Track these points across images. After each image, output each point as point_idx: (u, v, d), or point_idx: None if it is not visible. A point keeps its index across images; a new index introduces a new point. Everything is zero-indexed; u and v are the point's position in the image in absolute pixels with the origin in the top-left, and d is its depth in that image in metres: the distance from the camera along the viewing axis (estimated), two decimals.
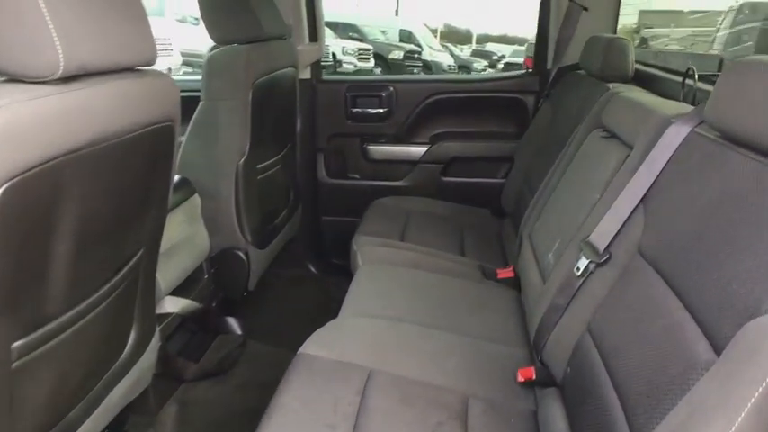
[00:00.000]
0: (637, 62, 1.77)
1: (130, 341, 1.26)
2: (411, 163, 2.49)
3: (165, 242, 1.53)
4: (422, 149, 2.48)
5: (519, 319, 1.54)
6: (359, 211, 2.30)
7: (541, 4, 2.31)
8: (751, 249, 0.77)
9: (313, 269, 2.62)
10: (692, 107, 1.28)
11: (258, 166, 1.92)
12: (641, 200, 1.13)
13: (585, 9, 2.10)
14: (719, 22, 7.90)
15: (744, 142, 0.89)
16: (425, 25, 17.08)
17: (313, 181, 2.52)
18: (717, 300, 0.81)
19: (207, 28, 1.77)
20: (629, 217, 1.14)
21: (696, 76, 1.41)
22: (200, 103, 1.75)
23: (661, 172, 1.11)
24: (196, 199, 1.72)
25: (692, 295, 0.88)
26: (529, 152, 2.19)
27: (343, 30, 13.59)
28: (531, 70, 2.45)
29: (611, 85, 1.67)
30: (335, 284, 2.02)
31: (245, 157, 1.80)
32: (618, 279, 1.12)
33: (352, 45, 12.62)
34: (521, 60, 12.85)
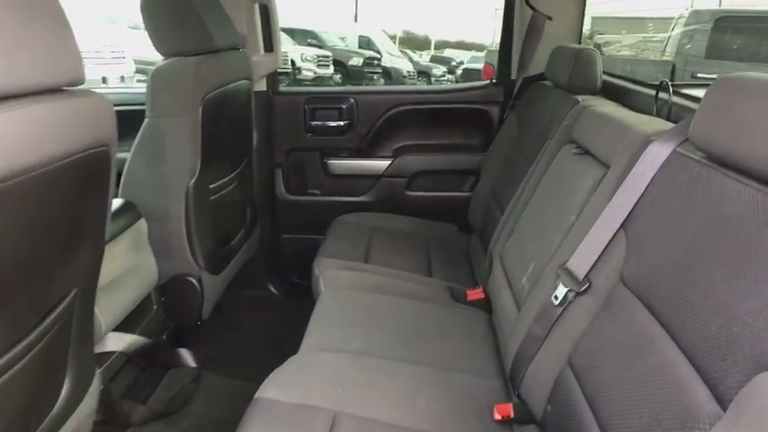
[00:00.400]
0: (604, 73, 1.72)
1: (65, 389, 1.12)
2: (374, 177, 2.39)
3: (107, 275, 1.40)
4: (385, 163, 2.38)
5: (492, 346, 1.46)
6: (320, 228, 2.19)
7: (505, 12, 2.25)
8: (755, 288, 0.70)
9: (273, 290, 2.49)
10: (668, 122, 1.23)
11: (211, 186, 1.79)
12: (622, 224, 1.06)
13: (550, 18, 2.05)
14: (671, 29, 8.10)
15: (734, 165, 0.83)
16: (384, 31, 17.11)
17: (271, 198, 2.39)
18: (716, 343, 0.74)
19: (151, 39, 1.64)
20: (610, 242, 1.07)
21: (671, 90, 1.35)
22: (146, 119, 1.62)
23: (642, 194, 1.04)
24: (142, 224, 1.58)
25: (686, 334, 0.81)
26: (495, 165, 2.12)
27: (302, 36, 13.47)
28: (494, 80, 2.39)
29: (580, 98, 1.61)
30: (297, 306, 1.91)
31: (195, 177, 1.67)
32: (600, 309, 1.05)
33: (312, 52, 12.50)
34: (480, 66, 12.97)
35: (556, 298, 1.13)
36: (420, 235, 2.14)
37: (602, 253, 1.08)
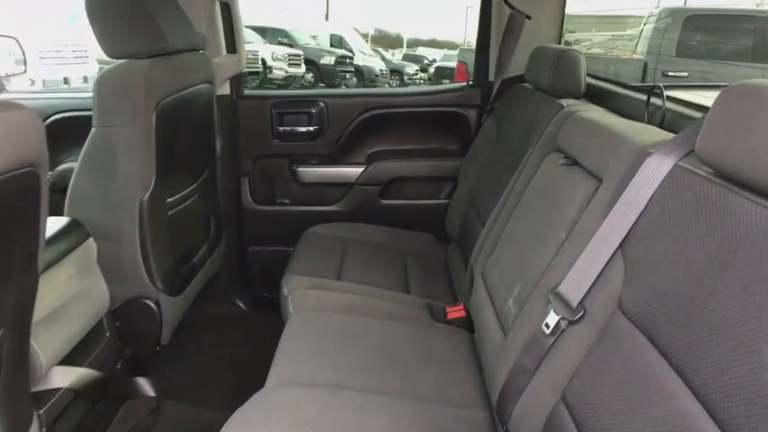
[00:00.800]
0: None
1: None
2: (346, 185, 2.27)
3: (48, 305, 1.26)
4: (357, 170, 2.26)
5: (476, 372, 1.35)
6: (290, 240, 2.06)
7: (481, 11, 2.14)
8: None
9: (242, 305, 2.36)
10: (663, 131, 1.14)
11: (168, 200, 1.65)
12: (619, 246, 0.96)
13: (528, 17, 1.95)
14: (641, 27, 8.14)
15: (750, 185, 0.73)
16: (356, 30, 16.99)
17: (237, 208, 2.25)
18: (739, 393, 0.64)
19: (98, 40, 1.49)
20: (606, 266, 0.97)
21: (665, 95, 1.26)
22: (92, 129, 1.47)
23: (641, 213, 0.94)
24: (90, 245, 1.44)
25: (701, 379, 0.71)
26: (474, 171, 2.01)
27: (273, 35, 13.26)
28: (471, 82, 2.28)
29: (564, 102, 1.51)
30: (267, 322, 1.78)
31: (150, 191, 1.53)
32: (597, 340, 0.95)
33: (283, 50, 12.32)
34: (452, 64, 12.93)
35: (547, 326, 1.02)
36: (396, 246, 2.02)
37: (597, 277, 0.98)
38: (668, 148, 0.94)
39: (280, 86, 11.25)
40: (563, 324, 1.00)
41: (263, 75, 11.44)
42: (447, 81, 12.61)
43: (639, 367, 0.83)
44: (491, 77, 2.16)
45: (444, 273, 1.93)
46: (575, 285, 1.01)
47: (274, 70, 11.80)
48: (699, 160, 0.84)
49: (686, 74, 6.69)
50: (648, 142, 1.01)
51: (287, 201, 2.30)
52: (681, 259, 0.81)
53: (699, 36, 7.00)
